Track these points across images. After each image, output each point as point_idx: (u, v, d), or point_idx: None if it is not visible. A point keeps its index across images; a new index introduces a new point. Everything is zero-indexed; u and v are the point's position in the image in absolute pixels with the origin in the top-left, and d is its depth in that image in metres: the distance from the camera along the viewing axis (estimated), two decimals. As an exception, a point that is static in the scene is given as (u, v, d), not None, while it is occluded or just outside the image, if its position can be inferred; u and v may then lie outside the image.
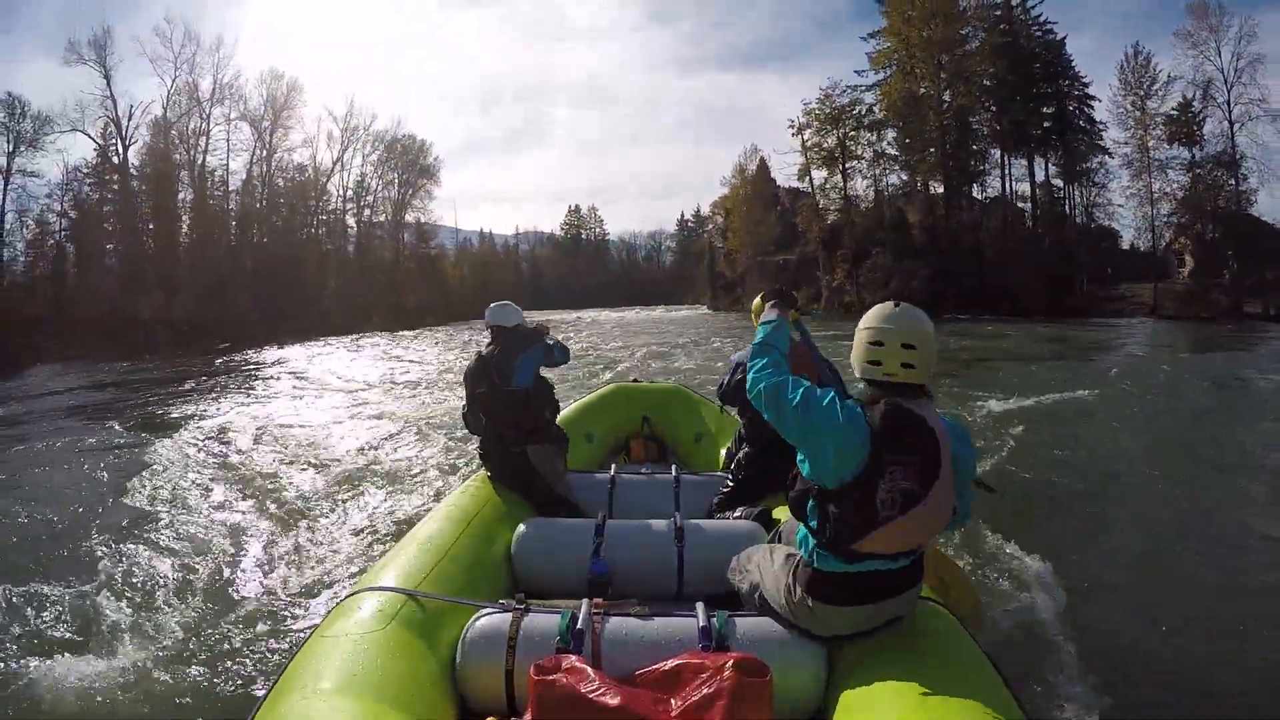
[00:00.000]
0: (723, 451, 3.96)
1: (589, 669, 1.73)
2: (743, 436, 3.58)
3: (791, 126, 45.46)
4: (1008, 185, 43.73)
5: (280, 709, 1.58)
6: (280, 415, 9.73)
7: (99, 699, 2.74)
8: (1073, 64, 44.64)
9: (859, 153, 45.31)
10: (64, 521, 5.02)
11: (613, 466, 3.87)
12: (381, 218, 49.87)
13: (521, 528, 2.78)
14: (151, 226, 37.76)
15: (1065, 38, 45.00)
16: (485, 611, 2.07)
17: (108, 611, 3.50)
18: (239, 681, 2.82)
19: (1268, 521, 4.70)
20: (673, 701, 1.73)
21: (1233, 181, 37.69)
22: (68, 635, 3.27)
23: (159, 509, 5.28)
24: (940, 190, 43.83)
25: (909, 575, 1.90)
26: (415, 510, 4.85)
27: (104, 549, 4.39)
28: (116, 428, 9.07)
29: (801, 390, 1.87)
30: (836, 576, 1.86)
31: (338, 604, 2.08)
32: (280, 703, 1.60)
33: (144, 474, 6.25)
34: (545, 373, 3.57)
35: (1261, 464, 6.17)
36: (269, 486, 5.85)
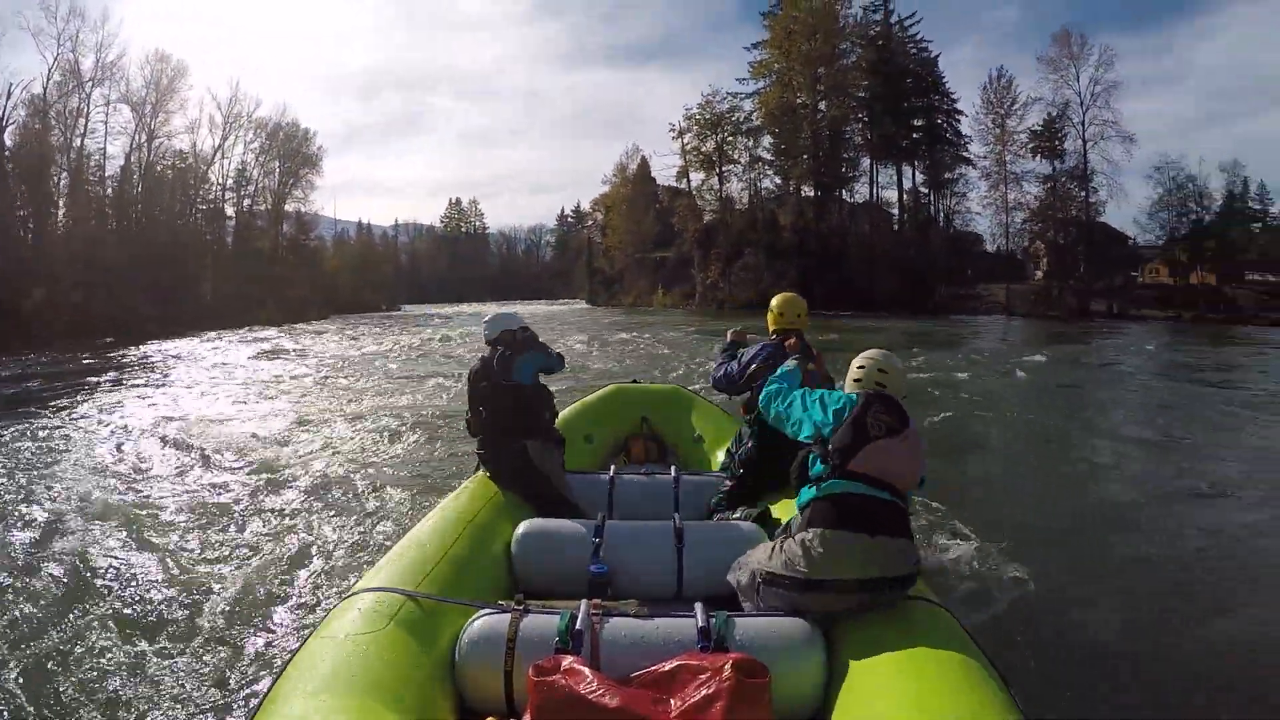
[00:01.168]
0: (722, 452, 3.96)
1: (588, 670, 1.73)
2: (743, 437, 3.58)
3: (673, 130, 47.93)
4: (874, 192, 47.58)
5: (280, 709, 1.58)
6: (253, 413, 9.69)
7: (98, 699, 2.74)
8: (944, 81, 49.14)
9: (736, 157, 47.94)
10: (60, 519, 5.02)
11: (612, 467, 3.87)
12: (261, 207, 47.78)
13: (521, 528, 2.78)
14: (26, 213, 34.08)
15: (938, 56, 49.51)
16: (484, 612, 2.08)
17: (106, 612, 3.50)
18: (239, 682, 2.81)
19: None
20: (672, 702, 1.73)
21: (1084, 194, 42.96)
22: (67, 635, 3.27)
23: (158, 509, 5.27)
24: (812, 194, 46.68)
25: (895, 518, 2.14)
26: (414, 510, 4.85)
27: (102, 549, 4.39)
28: (81, 423, 9.04)
29: (818, 392, 2.49)
30: (829, 500, 2.15)
31: (337, 604, 2.08)
32: (280, 703, 1.60)
33: (130, 473, 6.25)
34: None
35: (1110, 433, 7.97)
36: (268, 487, 5.84)
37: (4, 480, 6.00)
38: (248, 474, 6.27)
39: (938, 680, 1.69)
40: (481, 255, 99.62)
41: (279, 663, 1.81)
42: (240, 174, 46.12)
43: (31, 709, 2.70)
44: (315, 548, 4.33)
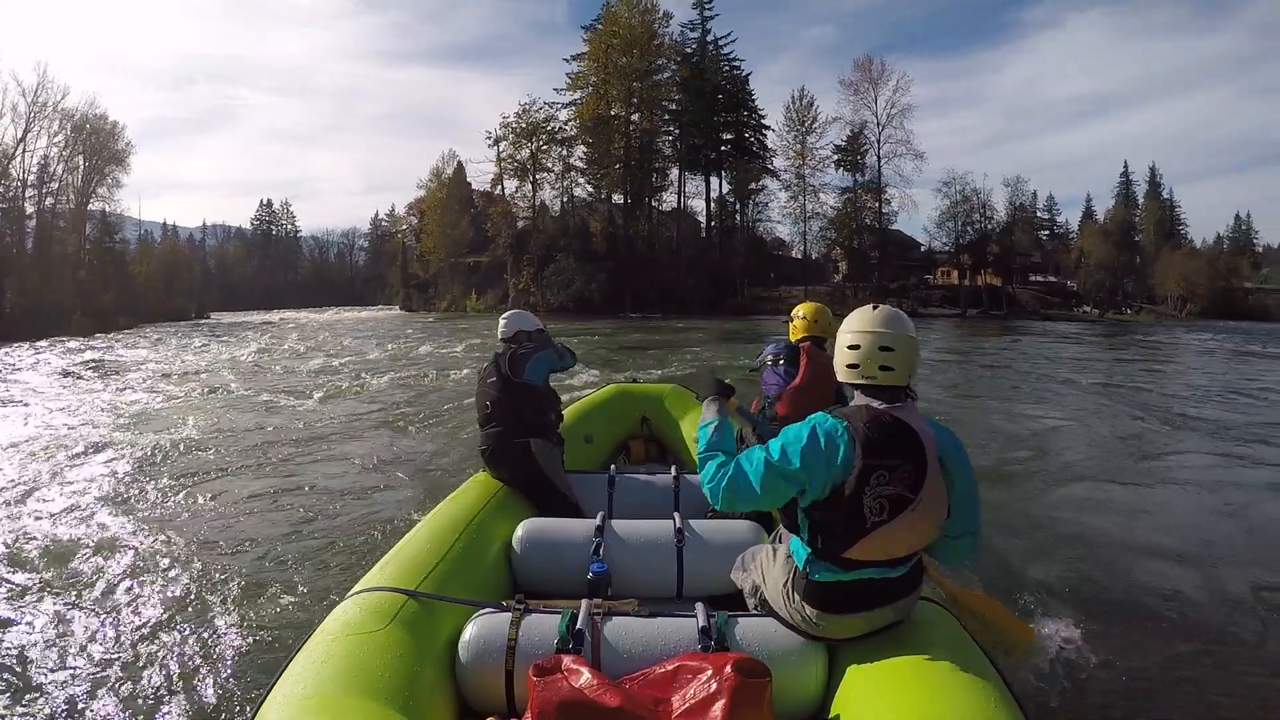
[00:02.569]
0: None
1: (588, 669, 1.73)
2: (742, 437, 3.58)
3: (489, 137, 49.30)
4: (681, 200, 51.35)
5: (280, 709, 1.58)
6: (246, 412, 9.72)
7: (97, 700, 2.74)
8: (753, 97, 53.90)
9: (550, 165, 49.64)
10: (57, 516, 5.02)
11: (612, 467, 3.87)
12: (65, 206, 43.47)
13: (521, 528, 2.77)
14: None
15: (749, 74, 54.30)
16: (485, 611, 2.07)
17: (106, 612, 3.50)
18: (239, 682, 2.81)
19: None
20: (673, 702, 1.72)
21: (878, 204, 49.99)
22: (65, 636, 3.27)
23: (157, 509, 5.27)
24: (623, 202, 49.08)
25: (907, 582, 1.89)
26: (415, 510, 4.85)
27: (100, 548, 4.38)
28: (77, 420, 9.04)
29: (761, 453, 1.80)
30: (832, 586, 1.84)
31: (338, 604, 2.07)
32: (280, 703, 1.60)
33: (132, 474, 6.25)
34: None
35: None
36: (267, 486, 5.84)
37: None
38: (259, 476, 6.27)
39: (939, 680, 1.68)
40: (293, 260, 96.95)
41: (279, 662, 1.80)
42: (43, 169, 41.56)
43: (31, 709, 2.70)
44: (315, 548, 4.33)
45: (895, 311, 1.90)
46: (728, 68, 53.62)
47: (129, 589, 3.78)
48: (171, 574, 3.96)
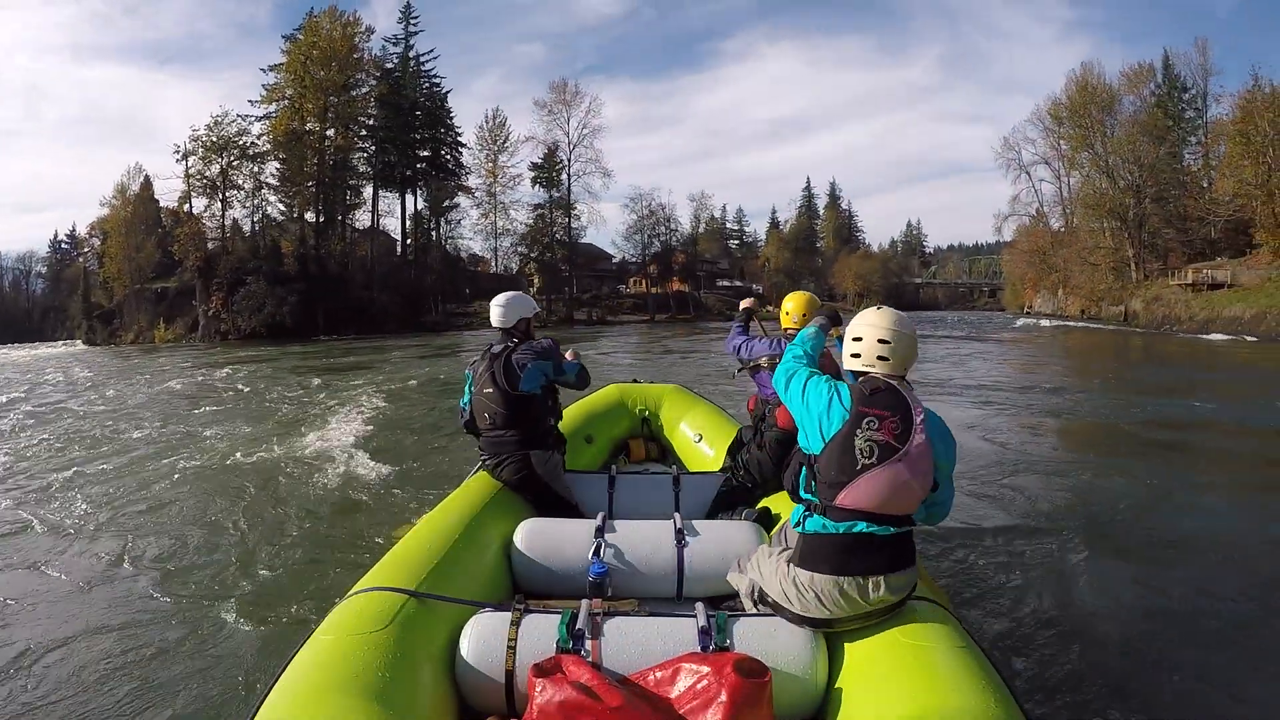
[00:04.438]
0: (723, 452, 3.96)
1: (588, 670, 1.73)
2: (743, 436, 3.58)
3: (177, 152, 45.32)
4: (375, 219, 50.94)
5: (279, 709, 1.57)
6: (261, 422, 9.72)
7: (97, 700, 2.74)
8: (452, 115, 54.43)
9: (241, 182, 46.67)
10: (55, 514, 5.02)
11: (613, 467, 3.87)
12: None
13: (521, 528, 2.77)
14: None
15: (449, 91, 54.93)
16: (485, 612, 2.07)
17: (105, 612, 3.50)
18: (238, 682, 2.82)
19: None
20: (672, 702, 1.73)
21: (568, 219, 53.51)
22: (64, 636, 3.27)
23: (156, 510, 5.28)
24: (316, 220, 47.60)
25: (898, 550, 1.93)
26: (415, 511, 4.85)
27: (99, 547, 4.39)
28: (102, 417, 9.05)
29: (810, 374, 2.15)
30: (824, 539, 1.93)
31: (337, 604, 2.07)
32: (279, 703, 1.60)
33: (136, 475, 6.25)
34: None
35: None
36: (267, 487, 5.85)
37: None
38: (258, 476, 6.27)
39: (938, 680, 1.69)
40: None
41: (279, 662, 1.80)
42: None
43: (29, 709, 2.70)
44: (315, 548, 4.33)
45: (896, 313, 2.11)
46: (428, 84, 53.99)
47: (128, 590, 3.79)
48: (170, 576, 3.97)
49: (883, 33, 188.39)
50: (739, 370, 3.65)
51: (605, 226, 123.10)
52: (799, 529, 2.02)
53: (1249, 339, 25.24)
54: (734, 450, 3.57)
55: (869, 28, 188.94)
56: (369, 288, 45.46)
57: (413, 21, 53.16)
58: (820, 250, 79.67)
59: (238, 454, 7.08)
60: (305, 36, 45.67)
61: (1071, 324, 39.07)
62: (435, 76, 54.61)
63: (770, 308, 3.94)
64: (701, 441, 4.43)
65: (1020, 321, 43.27)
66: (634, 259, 59.43)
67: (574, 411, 4.54)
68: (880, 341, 2.04)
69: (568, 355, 3.56)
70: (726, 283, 68.40)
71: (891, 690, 1.71)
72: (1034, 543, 4.35)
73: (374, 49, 49.97)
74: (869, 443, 1.90)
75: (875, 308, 2.15)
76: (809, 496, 2.00)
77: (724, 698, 1.65)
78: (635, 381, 5.34)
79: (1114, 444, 7.84)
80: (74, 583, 3.90)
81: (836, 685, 1.89)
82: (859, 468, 1.89)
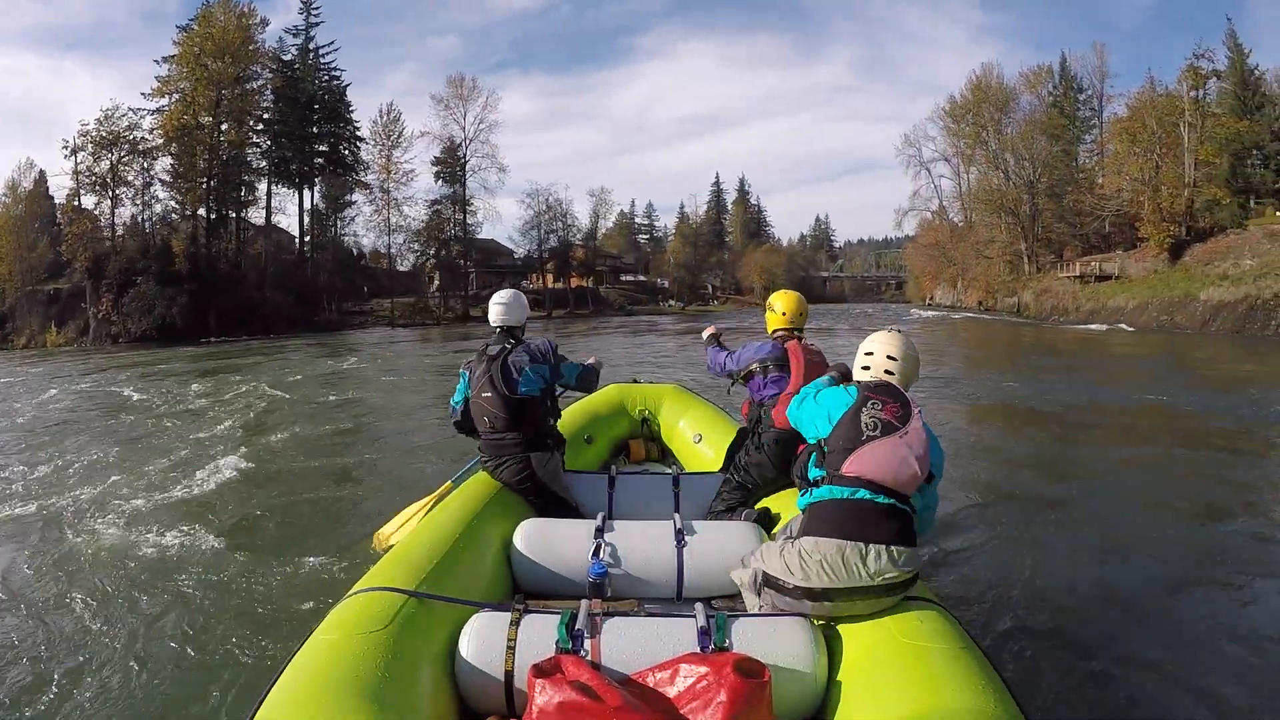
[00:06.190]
0: (722, 452, 3.96)
1: (588, 670, 1.73)
2: (743, 436, 3.58)
3: (65, 147, 42.60)
4: (270, 215, 48.57)
5: (279, 709, 1.58)
6: (260, 417, 9.72)
7: (98, 699, 2.74)
8: (351, 108, 52.75)
9: (131, 179, 44.05)
10: (54, 513, 5.02)
11: (612, 467, 3.87)
12: None
13: (521, 528, 2.77)
14: None
15: (348, 85, 52.91)
16: (484, 612, 2.07)
17: (104, 612, 3.50)
18: (238, 682, 2.81)
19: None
20: (672, 702, 1.73)
21: (463, 215, 52.66)
22: (63, 636, 3.27)
23: (156, 510, 5.28)
24: (208, 217, 45.51)
25: (899, 526, 2.05)
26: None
27: (98, 547, 4.39)
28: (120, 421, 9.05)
29: (819, 388, 2.43)
30: (829, 504, 2.10)
31: (337, 604, 2.07)
32: (279, 703, 1.60)
33: (135, 476, 6.25)
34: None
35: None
36: (267, 487, 5.85)
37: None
38: (259, 475, 6.27)
39: (937, 681, 1.69)
40: None
41: (279, 662, 1.80)
42: None
43: (29, 708, 2.70)
44: (315, 548, 4.33)
45: (905, 337, 2.43)
46: (327, 77, 52.00)
47: (127, 591, 3.78)
48: (169, 575, 3.96)
49: (797, 33, 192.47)
50: (732, 385, 3.65)
51: (502, 223, 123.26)
52: (805, 499, 2.19)
53: (1126, 329, 26.84)
54: (734, 450, 3.57)
55: (784, 28, 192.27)
56: (261, 287, 43.61)
57: (314, 13, 50.83)
58: (729, 245, 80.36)
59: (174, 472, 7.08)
60: (199, 26, 43.62)
61: (964, 315, 40.29)
62: (335, 69, 52.57)
63: (672, 301, 3.88)
64: (701, 442, 4.43)
65: (914, 313, 44.61)
66: (532, 253, 59.00)
67: (574, 412, 4.54)
68: (889, 358, 2.35)
69: (589, 360, 3.56)
70: (631, 277, 68.68)
71: (891, 690, 1.71)
72: (1009, 528, 4.35)
73: (270, 41, 47.61)
74: (873, 418, 2.14)
75: (888, 329, 2.46)
76: (818, 472, 2.17)
77: (724, 698, 1.65)
78: (635, 381, 5.34)
79: (1019, 424, 8.39)
80: (71, 585, 3.89)
81: (836, 685, 1.89)
82: (864, 438, 2.11)
